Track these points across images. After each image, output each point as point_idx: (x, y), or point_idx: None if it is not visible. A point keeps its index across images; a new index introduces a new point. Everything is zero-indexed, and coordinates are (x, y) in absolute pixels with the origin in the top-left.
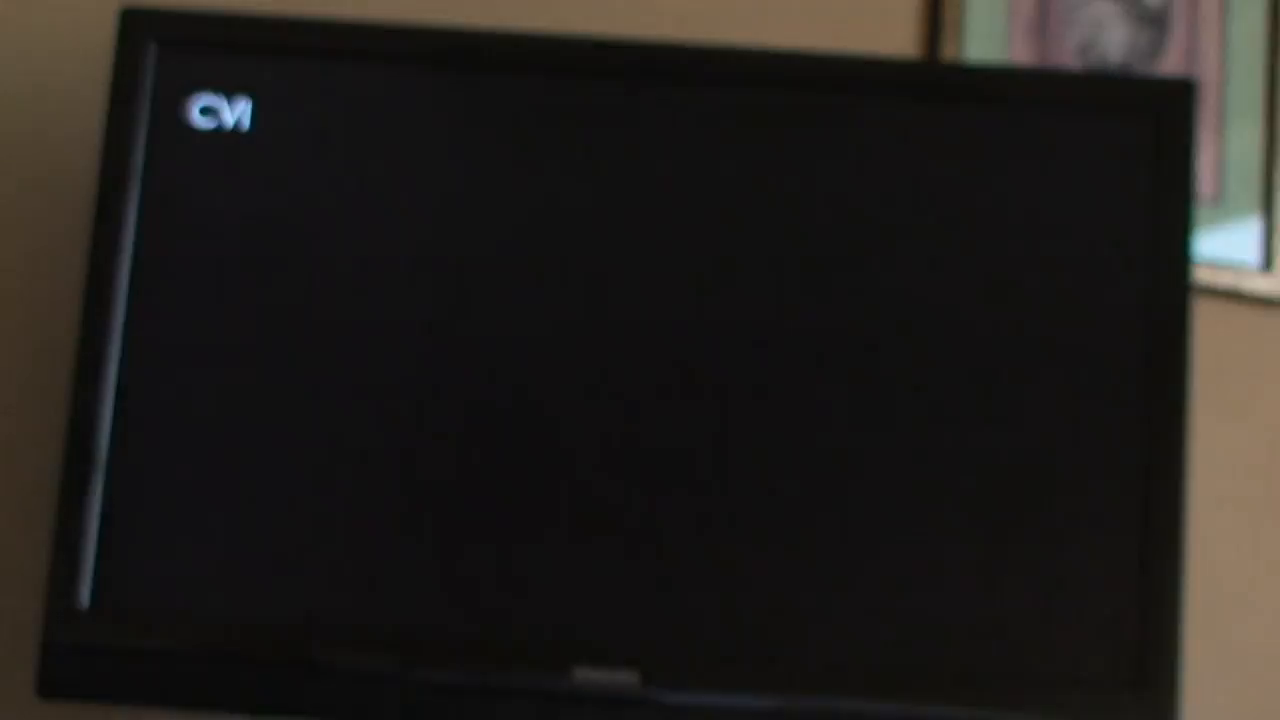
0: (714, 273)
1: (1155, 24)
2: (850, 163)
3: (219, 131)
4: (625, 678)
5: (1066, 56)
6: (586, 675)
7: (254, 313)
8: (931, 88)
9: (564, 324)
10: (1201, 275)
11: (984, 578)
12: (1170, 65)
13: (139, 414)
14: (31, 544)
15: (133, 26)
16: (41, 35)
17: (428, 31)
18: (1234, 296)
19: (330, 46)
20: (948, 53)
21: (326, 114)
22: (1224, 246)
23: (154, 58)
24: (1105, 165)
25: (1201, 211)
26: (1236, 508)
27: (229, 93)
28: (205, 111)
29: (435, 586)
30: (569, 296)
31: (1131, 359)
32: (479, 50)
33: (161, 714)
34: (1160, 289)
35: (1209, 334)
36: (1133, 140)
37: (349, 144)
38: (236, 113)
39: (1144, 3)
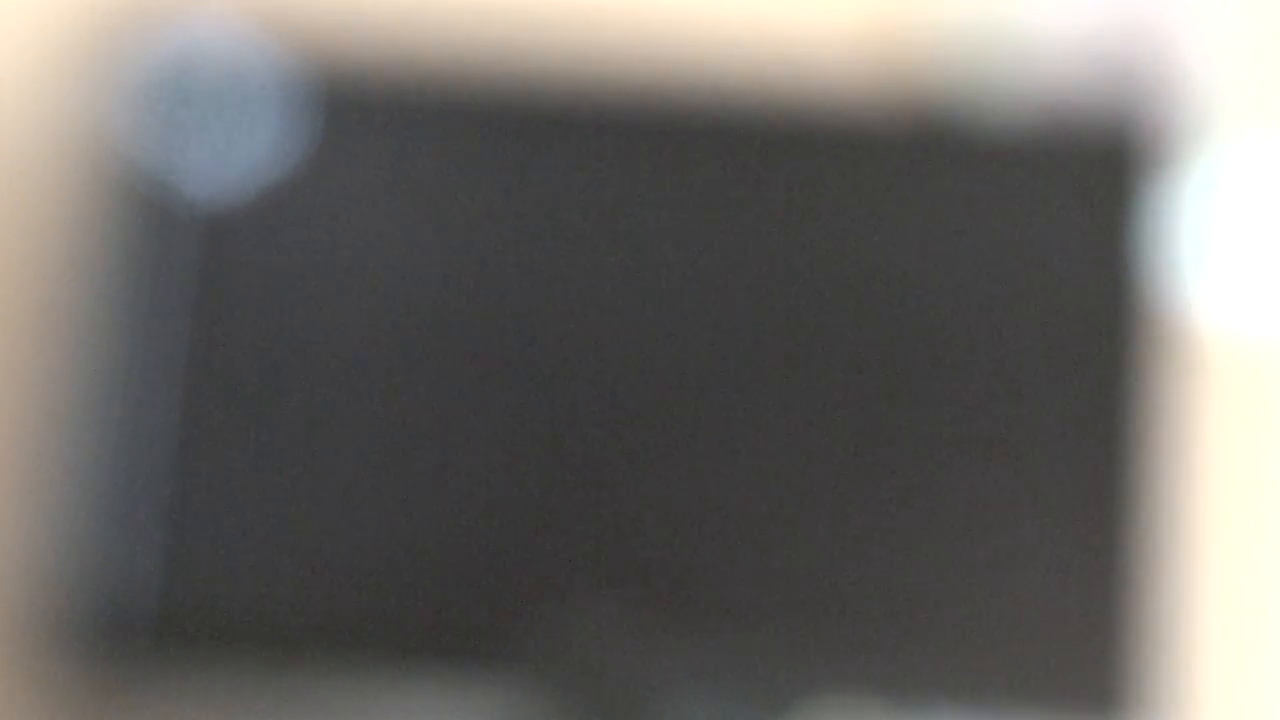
0: (714, 307)
1: None
2: (815, 210)
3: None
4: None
5: None
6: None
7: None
8: (889, 146)
9: (588, 365)
10: None
11: (946, 569)
12: None
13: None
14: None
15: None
16: None
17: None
18: None
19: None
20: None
21: (381, 166)
22: None
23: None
24: (1059, 215)
25: None
26: None
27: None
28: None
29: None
30: (592, 351)
31: (1089, 373)
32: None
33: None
34: (1108, 324)
35: None
36: (1082, 193)
37: (400, 195)
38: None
39: None
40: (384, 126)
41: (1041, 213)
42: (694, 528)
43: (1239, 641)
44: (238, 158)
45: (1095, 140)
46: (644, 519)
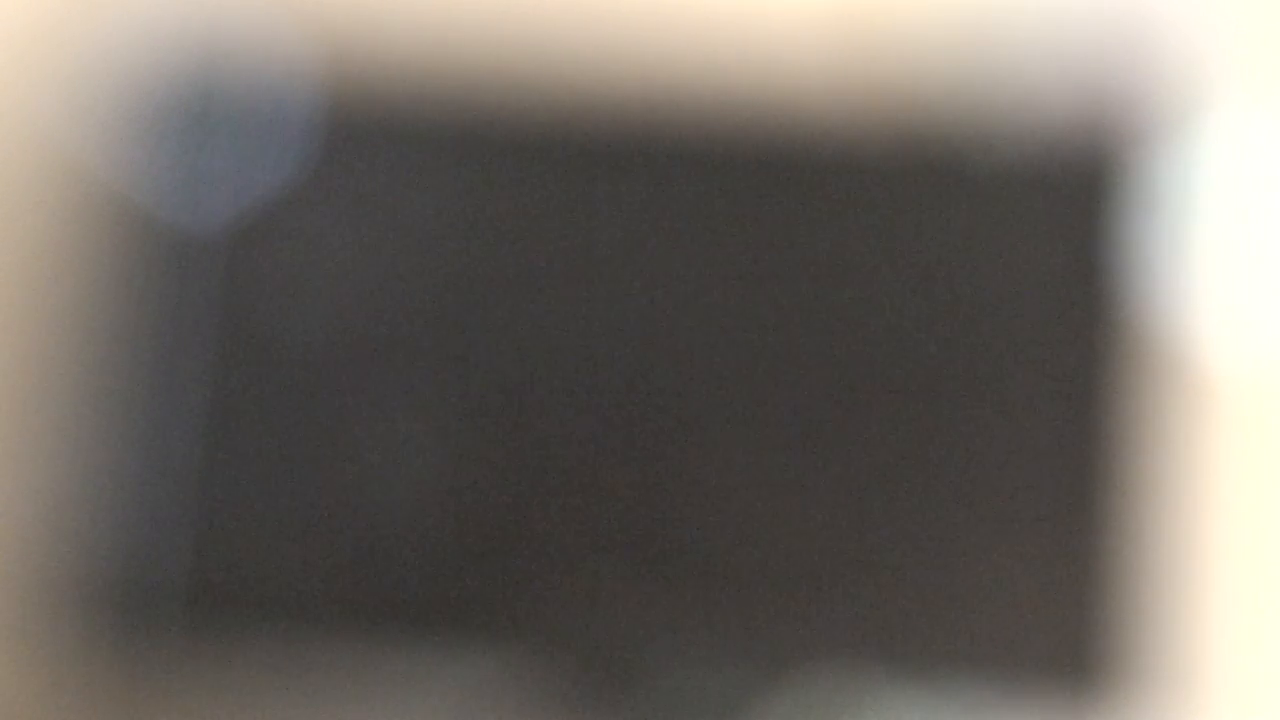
0: (710, 309)
1: None
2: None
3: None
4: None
5: None
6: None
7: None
8: (866, 161)
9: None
10: None
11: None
12: None
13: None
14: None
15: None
16: None
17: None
18: None
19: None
20: None
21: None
22: None
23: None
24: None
25: None
26: None
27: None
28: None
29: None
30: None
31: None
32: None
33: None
34: (1087, 344)
35: None
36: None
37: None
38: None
39: None
40: (387, 145)
41: (1021, 224)
42: (689, 503)
43: (1236, 636)
44: (245, 173)
45: (1076, 153)
46: (639, 493)
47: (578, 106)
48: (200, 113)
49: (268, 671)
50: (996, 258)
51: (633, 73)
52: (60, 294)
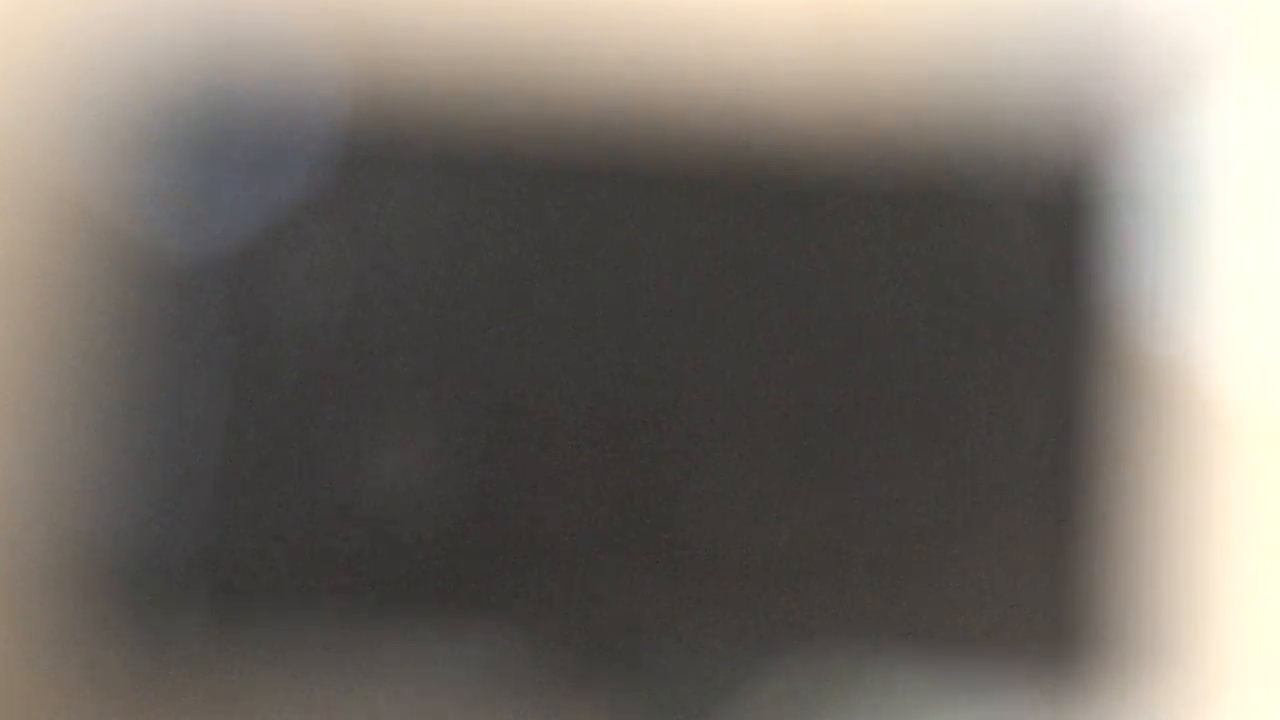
0: (708, 319)
1: None
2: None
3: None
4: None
5: None
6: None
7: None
8: (851, 179)
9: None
10: None
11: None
12: None
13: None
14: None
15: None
16: None
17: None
18: None
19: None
20: None
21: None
22: None
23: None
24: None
25: None
26: None
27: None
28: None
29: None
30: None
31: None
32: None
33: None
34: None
35: None
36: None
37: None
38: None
39: None
40: (404, 165)
41: (1015, 232)
42: (684, 490)
43: (1229, 624)
44: (256, 192)
45: (1069, 161)
46: (635, 481)
47: (585, 123)
48: (209, 130)
49: (277, 656)
50: (991, 264)
51: (633, 90)
52: (78, 304)
